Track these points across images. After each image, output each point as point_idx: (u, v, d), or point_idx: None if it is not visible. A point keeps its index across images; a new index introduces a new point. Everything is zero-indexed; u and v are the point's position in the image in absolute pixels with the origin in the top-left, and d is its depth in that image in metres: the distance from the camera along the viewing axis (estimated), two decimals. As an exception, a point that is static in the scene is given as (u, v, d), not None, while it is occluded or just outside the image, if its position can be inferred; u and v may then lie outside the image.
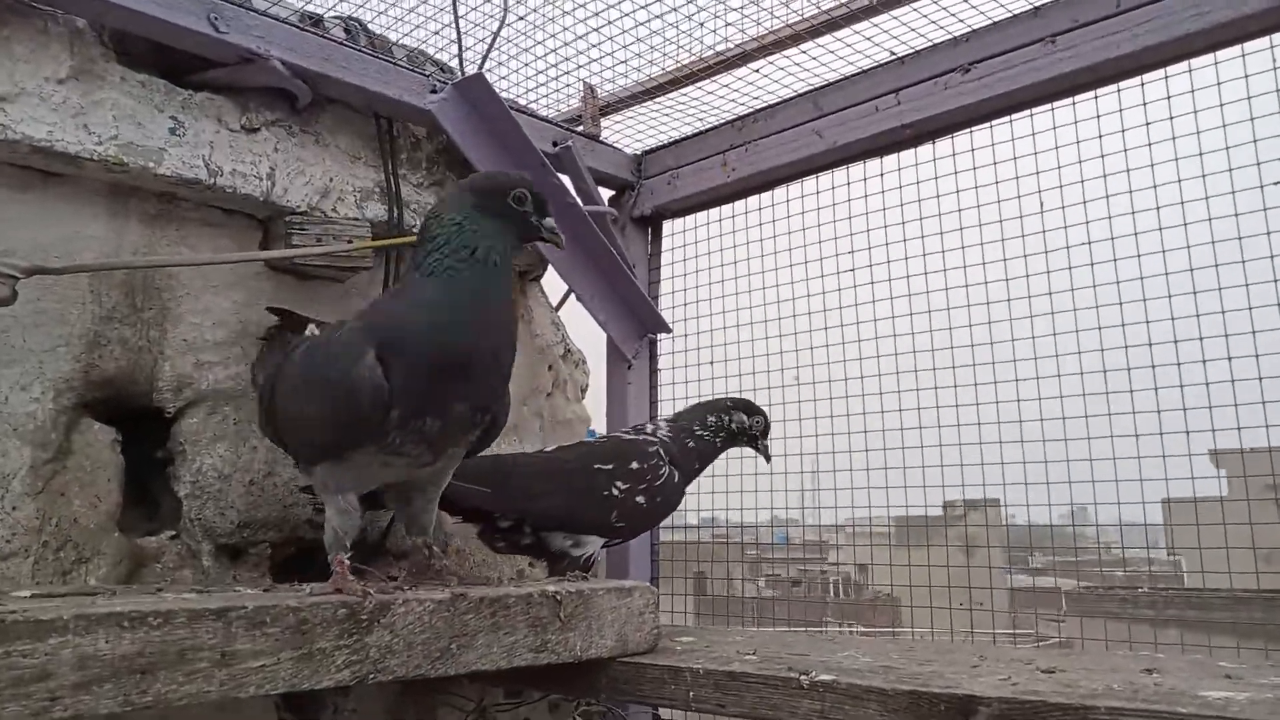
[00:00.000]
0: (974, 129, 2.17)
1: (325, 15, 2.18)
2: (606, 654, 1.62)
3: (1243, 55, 1.83)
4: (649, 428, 2.14)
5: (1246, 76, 1.82)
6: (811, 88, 2.39)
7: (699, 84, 2.57)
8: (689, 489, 2.14)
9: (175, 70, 1.92)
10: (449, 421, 1.39)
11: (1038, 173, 2.09)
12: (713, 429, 2.12)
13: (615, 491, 2.00)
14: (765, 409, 2.19)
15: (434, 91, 2.21)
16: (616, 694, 1.64)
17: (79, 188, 1.79)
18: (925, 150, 2.27)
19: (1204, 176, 1.85)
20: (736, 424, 2.13)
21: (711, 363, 2.66)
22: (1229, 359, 1.83)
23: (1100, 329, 2.01)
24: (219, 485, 1.93)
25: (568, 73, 2.69)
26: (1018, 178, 2.13)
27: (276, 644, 1.22)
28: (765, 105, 2.49)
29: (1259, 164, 1.79)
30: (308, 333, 1.76)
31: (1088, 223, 2.01)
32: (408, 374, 1.32)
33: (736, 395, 2.27)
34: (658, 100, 2.68)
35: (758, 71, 2.36)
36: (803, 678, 1.40)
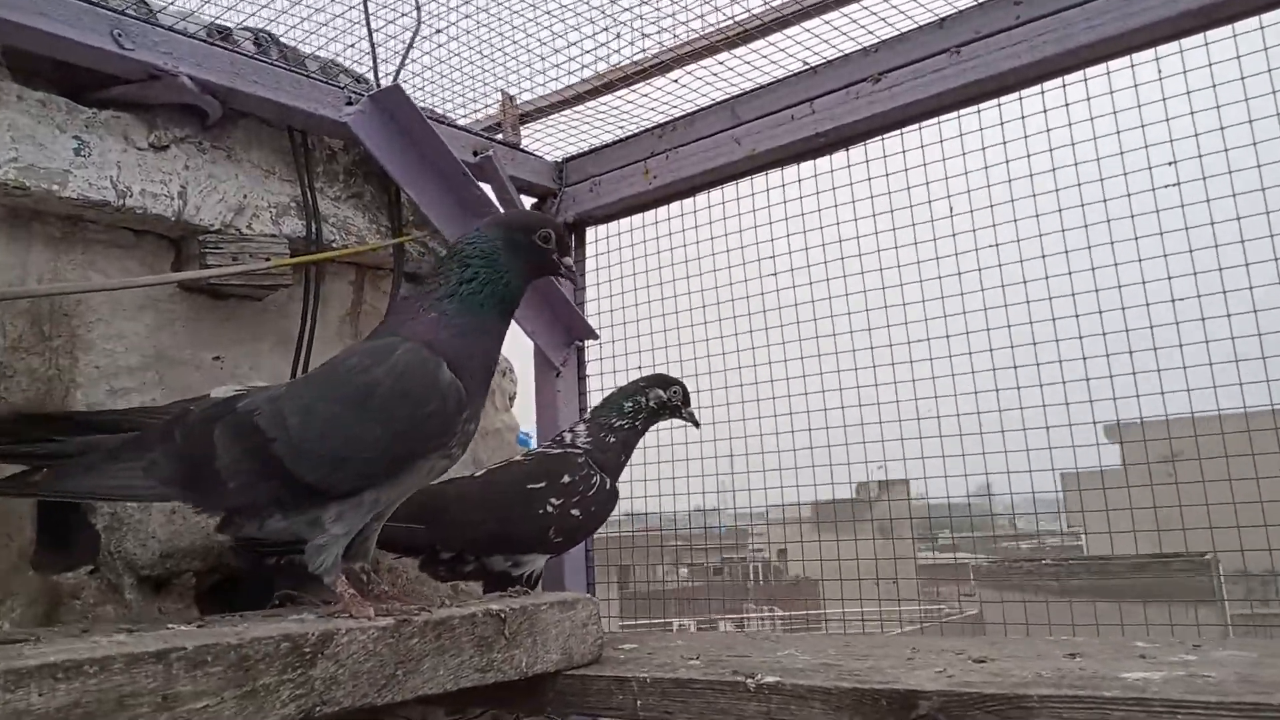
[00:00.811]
0: (885, 136, 2.25)
1: (234, 28, 2.11)
2: (552, 668, 1.63)
3: (1131, 66, 1.95)
4: (568, 437, 2.14)
5: (1136, 86, 1.94)
6: (730, 96, 2.43)
7: (619, 92, 2.59)
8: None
9: (77, 88, 1.84)
10: (477, 423, 1.57)
11: (946, 178, 2.18)
12: (631, 414, 2.13)
13: (550, 509, 1.99)
14: (680, 379, 2.21)
15: (349, 104, 2.18)
16: (563, 707, 1.65)
17: (-25, 212, 1.71)
18: (840, 157, 2.34)
19: (1124, 174, 1.96)
20: (655, 400, 2.15)
21: (640, 367, 2.68)
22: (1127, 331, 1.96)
23: (1016, 307, 2.12)
24: (139, 516, 1.86)
25: (486, 82, 2.68)
26: (925, 184, 2.23)
27: (219, 683, 1.19)
28: (685, 113, 2.52)
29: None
30: (223, 392, 1.65)
31: (993, 226, 2.12)
32: (467, 385, 1.48)
33: (649, 373, 2.27)
34: (577, 109, 2.69)
35: (676, 82, 2.40)
36: (748, 681, 1.44)
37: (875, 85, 2.19)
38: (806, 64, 2.30)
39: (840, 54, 2.26)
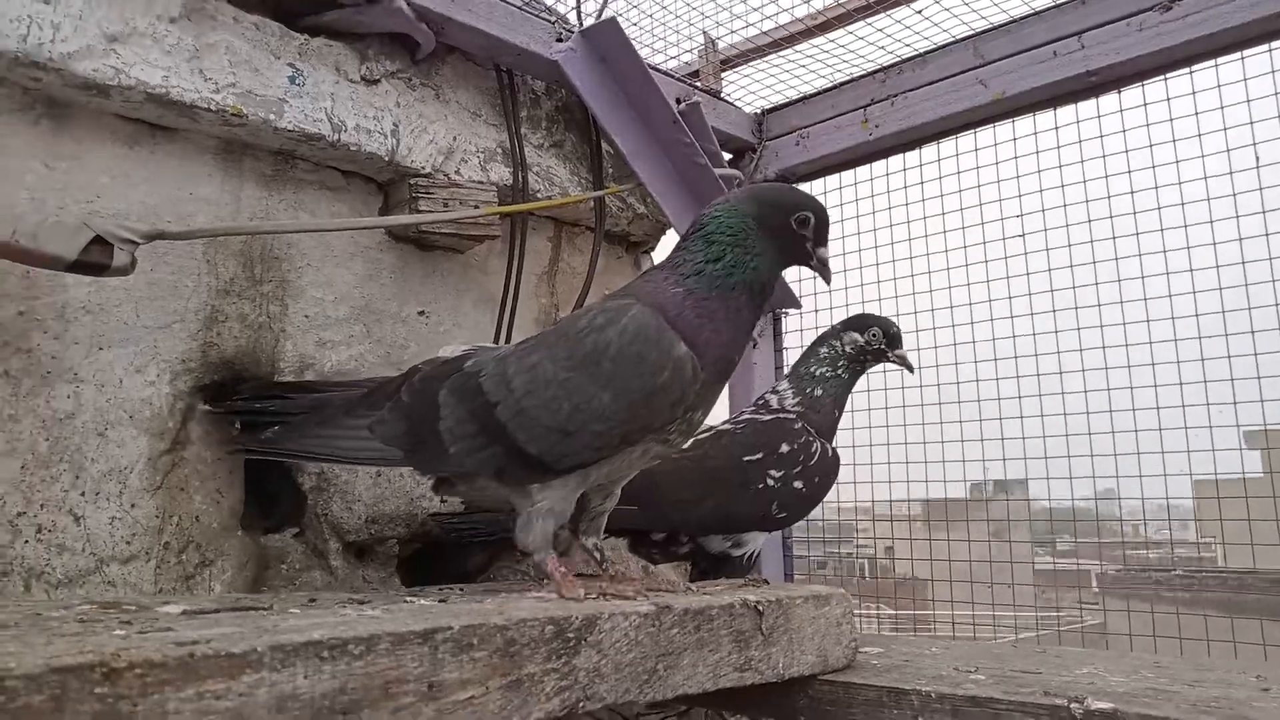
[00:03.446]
0: (1170, 75, 1.93)
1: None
2: (807, 671, 1.42)
3: None
4: (773, 399, 1.94)
5: None
6: (973, 32, 2.14)
7: (831, 34, 2.34)
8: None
9: (288, 13, 1.71)
10: (705, 415, 1.37)
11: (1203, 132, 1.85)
12: (829, 361, 1.92)
13: (770, 482, 1.80)
14: (888, 317, 1.97)
15: (559, 40, 2.00)
16: (819, 717, 1.43)
17: (190, 144, 1.59)
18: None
19: None
20: (851, 345, 1.92)
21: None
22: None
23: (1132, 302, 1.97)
24: (346, 477, 1.74)
25: (684, 25, 2.48)
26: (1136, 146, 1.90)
27: (485, 670, 1.02)
28: (914, 54, 2.25)
29: None
30: (451, 351, 1.47)
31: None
32: (703, 367, 1.29)
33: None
34: (782, 53, 2.45)
35: (919, 13, 2.12)
36: (1074, 706, 1.19)
37: (1164, 14, 1.87)
38: (1074, -9, 2.00)
39: (1119, -22, 1.95)
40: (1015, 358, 2.18)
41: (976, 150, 2.21)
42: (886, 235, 2.41)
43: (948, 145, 2.26)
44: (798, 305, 2.45)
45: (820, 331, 2.01)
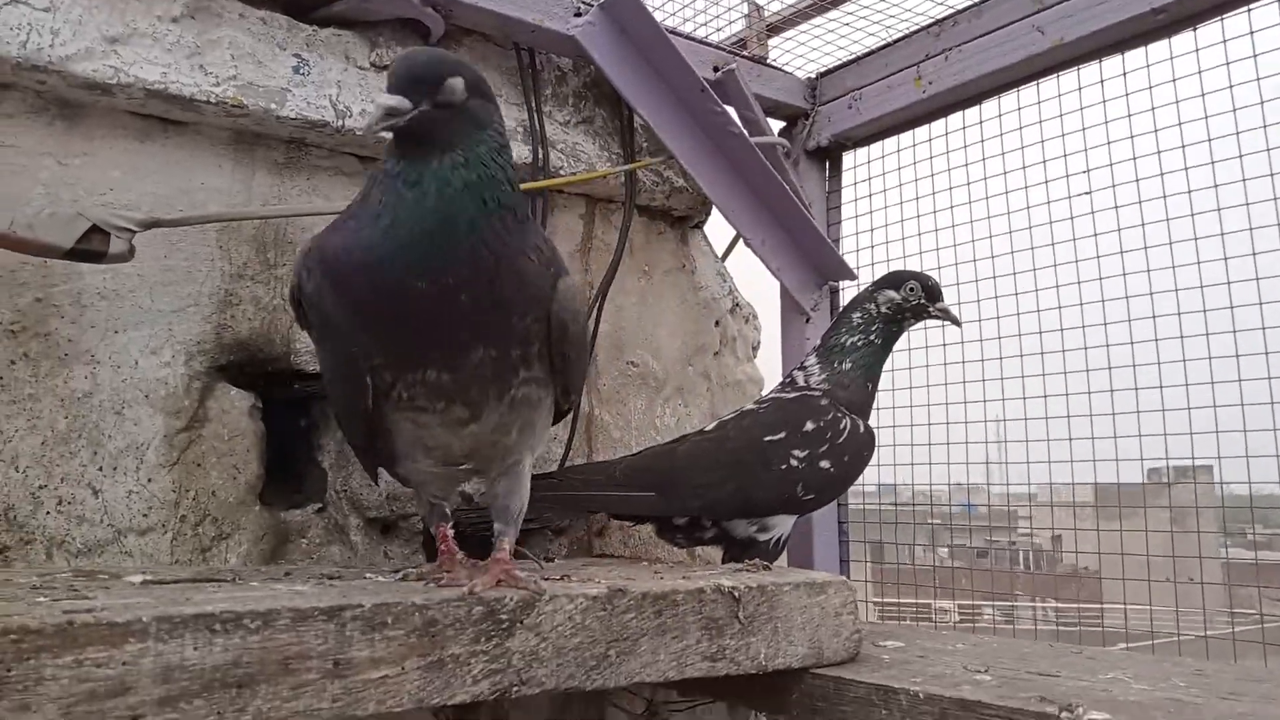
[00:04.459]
0: (1254, 6, 1.70)
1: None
2: (797, 663, 1.34)
3: None
4: (799, 376, 1.85)
5: None
6: (1031, -27, 1.96)
7: (884, -12, 2.20)
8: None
9: (297, 6, 1.75)
10: (460, 369, 1.12)
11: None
12: (861, 327, 1.81)
13: (794, 462, 1.73)
14: (924, 273, 1.84)
15: (578, 15, 1.96)
16: (810, 714, 1.35)
17: (201, 136, 1.65)
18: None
19: None
20: (887, 305, 1.80)
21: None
22: None
23: None
24: (362, 456, 1.77)
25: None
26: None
27: (401, 650, 1.01)
28: (970, 4, 2.08)
29: None
30: None
31: None
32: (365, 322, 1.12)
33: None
34: (834, 14, 2.32)
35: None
36: (1064, 715, 1.07)
37: (1242, -68, 1.65)
38: (1139, -83, 1.79)
39: (1189, -104, 1.73)
40: (1183, 313, 1.85)
41: (1040, 102, 2.02)
42: (981, 189, 2.19)
43: (1009, 100, 2.08)
44: (852, 276, 2.32)
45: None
